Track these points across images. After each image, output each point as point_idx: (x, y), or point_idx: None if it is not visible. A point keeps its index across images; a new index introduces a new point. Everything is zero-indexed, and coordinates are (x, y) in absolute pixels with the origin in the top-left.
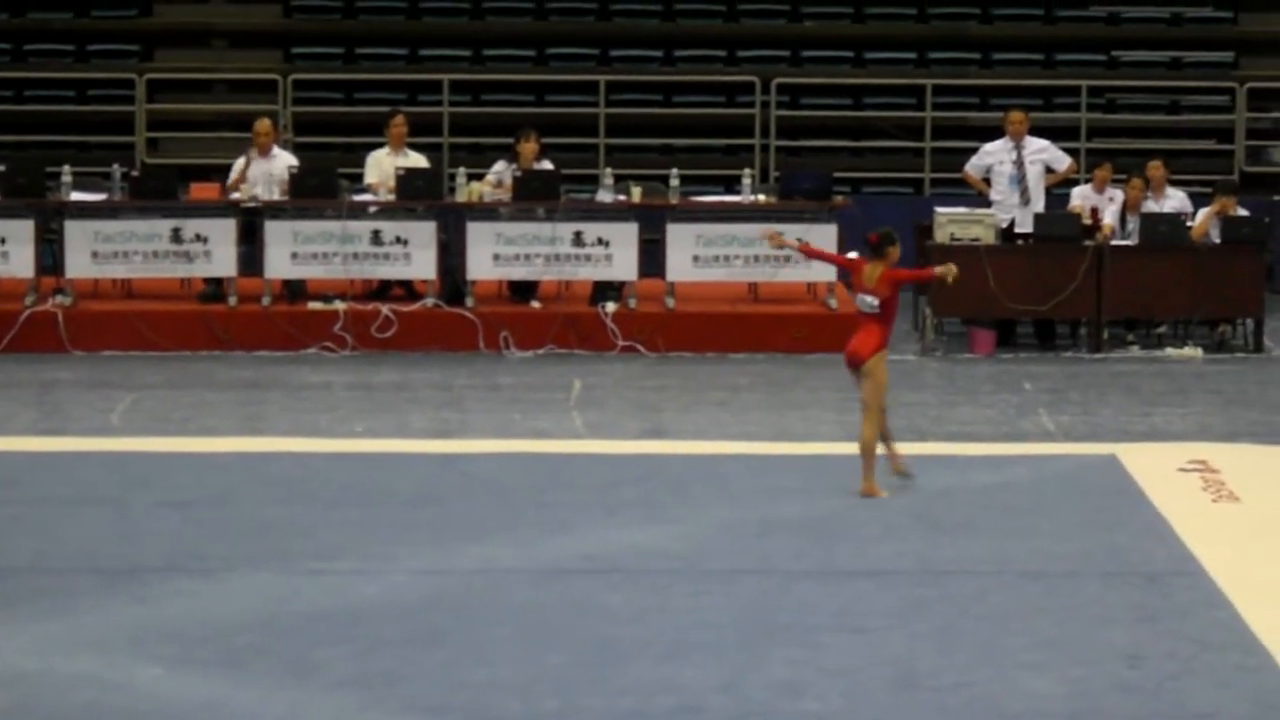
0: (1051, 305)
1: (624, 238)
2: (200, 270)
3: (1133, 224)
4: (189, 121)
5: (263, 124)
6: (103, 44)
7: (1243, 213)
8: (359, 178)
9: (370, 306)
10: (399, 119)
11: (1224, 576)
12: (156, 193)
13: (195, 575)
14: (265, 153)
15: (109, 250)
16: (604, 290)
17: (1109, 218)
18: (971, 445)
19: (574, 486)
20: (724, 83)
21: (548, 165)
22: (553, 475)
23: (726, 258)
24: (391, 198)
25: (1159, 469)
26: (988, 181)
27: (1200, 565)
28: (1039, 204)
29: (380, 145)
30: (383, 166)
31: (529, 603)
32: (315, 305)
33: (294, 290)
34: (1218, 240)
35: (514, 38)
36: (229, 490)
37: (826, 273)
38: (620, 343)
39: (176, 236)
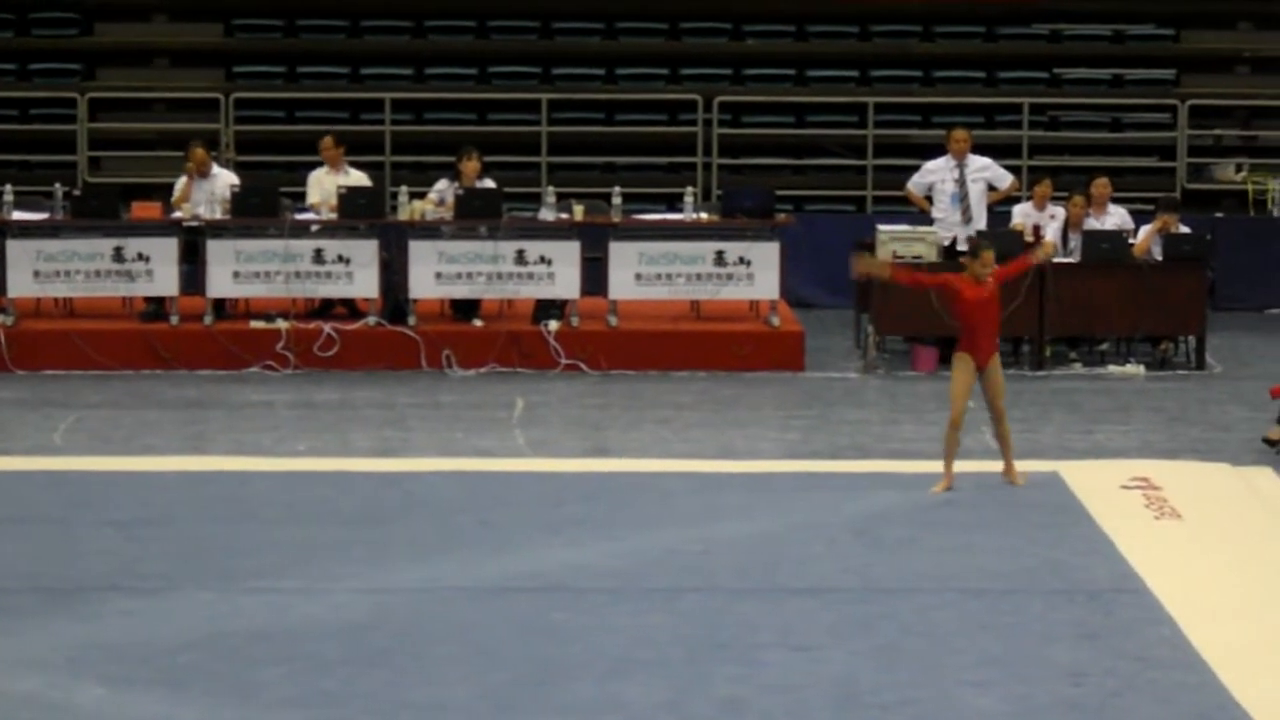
0: None
1: (566, 256)
2: (142, 289)
3: (1074, 241)
4: (131, 140)
5: (197, 153)
6: (44, 63)
7: (1184, 230)
8: (301, 196)
9: (312, 325)
10: (328, 140)
11: (1166, 593)
12: (98, 212)
13: (137, 594)
14: (204, 175)
15: (51, 269)
16: (546, 308)
17: (1051, 235)
18: (914, 463)
19: (517, 505)
20: (666, 101)
21: (490, 183)
22: (496, 494)
23: (669, 275)
24: (333, 216)
25: (1101, 486)
26: (930, 199)
27: (1142, 582)
28: (981, 222)
29: (322, 164)
30: (324, 185)
31: (472, 621)
32: (257, 324)
33: (219, 307)
34: (1159, 257)
35: (456, 56)
36: (171, 509)
37: (769, 291)
38: (563, 361)
39: (118, 255)
